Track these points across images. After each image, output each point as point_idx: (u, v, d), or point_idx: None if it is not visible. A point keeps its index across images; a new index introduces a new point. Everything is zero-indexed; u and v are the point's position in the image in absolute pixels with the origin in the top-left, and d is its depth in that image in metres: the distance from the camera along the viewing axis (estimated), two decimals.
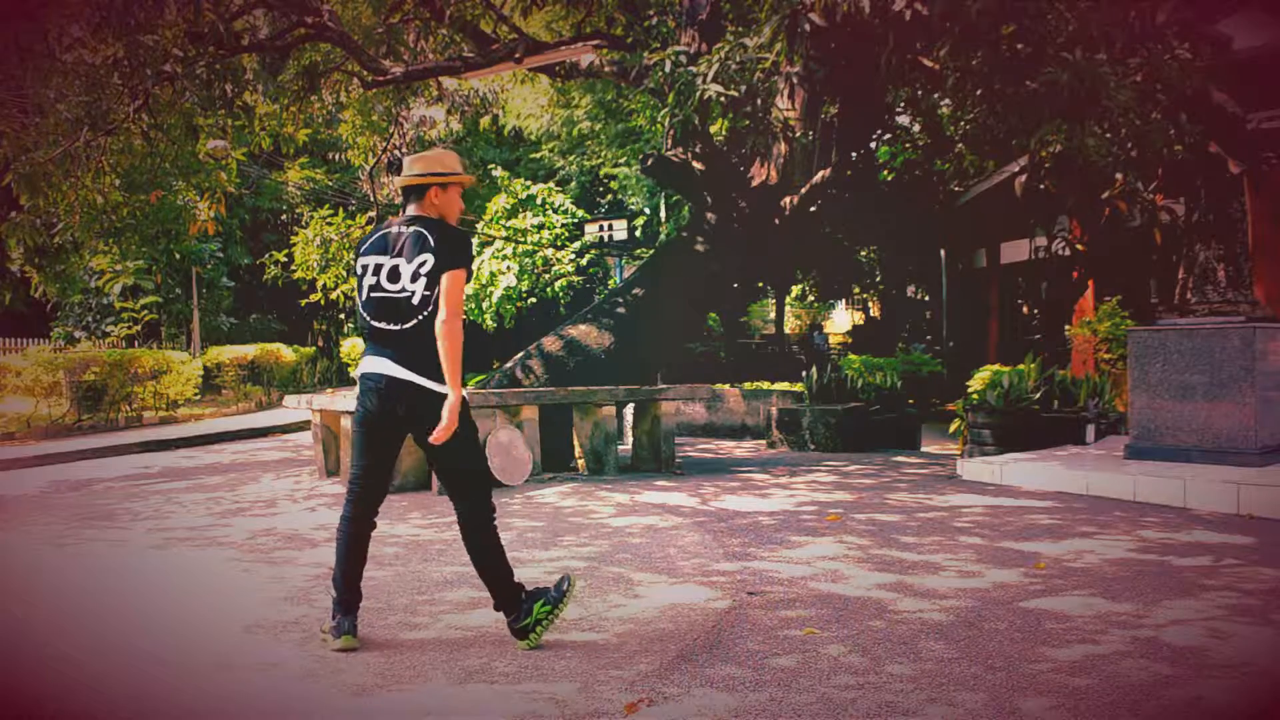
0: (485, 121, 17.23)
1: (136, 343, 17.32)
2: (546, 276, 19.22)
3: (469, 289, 19.58)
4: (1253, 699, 2.82)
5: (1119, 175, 7.05)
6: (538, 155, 24.05)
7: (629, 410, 8.93)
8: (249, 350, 18.69)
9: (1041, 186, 7.09)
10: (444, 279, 3.26)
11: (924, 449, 10.60)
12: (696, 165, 9.10)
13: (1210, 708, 2.72)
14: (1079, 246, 8.59)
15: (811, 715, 2.68)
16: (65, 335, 18.24)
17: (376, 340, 3.37)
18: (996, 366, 9.47)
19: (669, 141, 9.46)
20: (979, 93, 6.97)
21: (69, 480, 8.59)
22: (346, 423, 7.68)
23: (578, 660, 3.20)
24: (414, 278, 3.28)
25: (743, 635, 3.44)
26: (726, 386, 13.11)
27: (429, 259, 3.27)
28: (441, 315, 3.22)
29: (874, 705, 2.74)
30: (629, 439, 8.83)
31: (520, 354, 9.05)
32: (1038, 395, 8.65)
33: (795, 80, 7.73)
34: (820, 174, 9.09)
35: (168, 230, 9.26)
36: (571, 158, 23.12)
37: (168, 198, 8.82)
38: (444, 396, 3.23)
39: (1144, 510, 5.93)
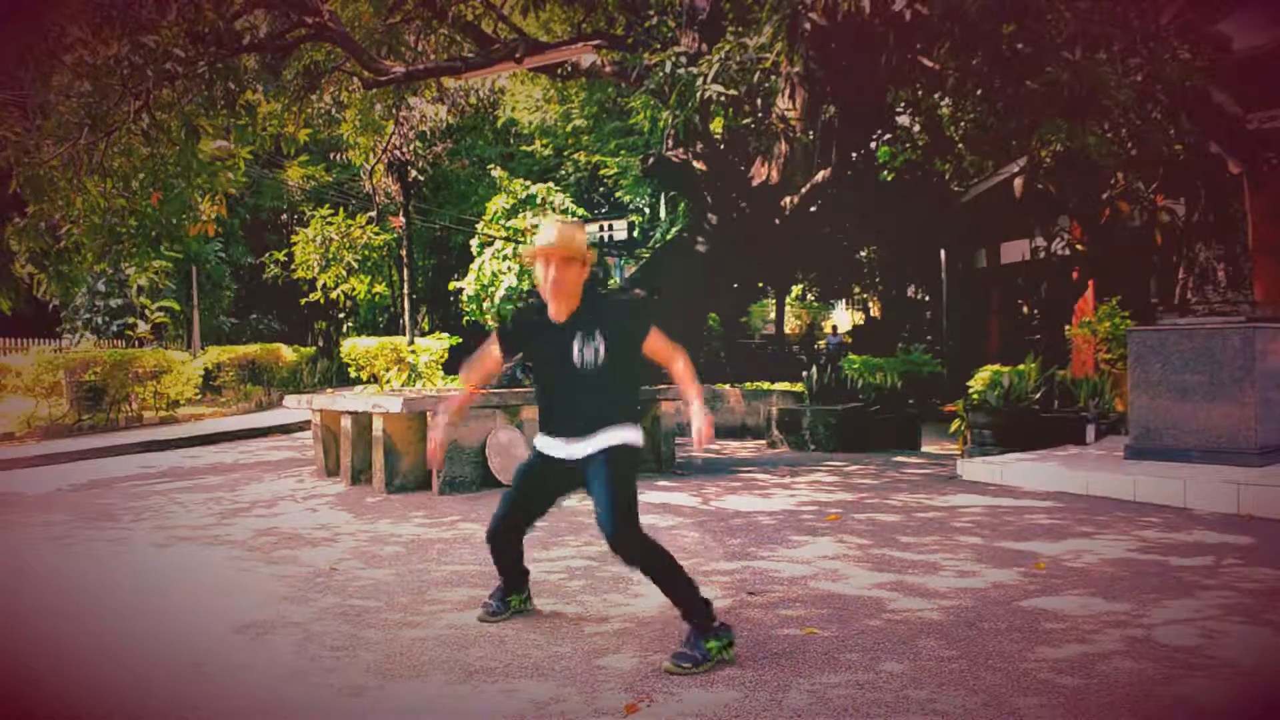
0: (471, 99, 17.19)
1: (138, 343, 17.34)
2: None
3: (470, 290, 19.62)
4: (1250, 699, 2.82)
5: (1119, 175, 7.06)
6: (530, 149, 24.07)
7: None
8: (250, 350, 18.69)
9: (1041, 187, 7.10)
10: None
11: (924, 449, 10.60)
12: (697, 165, 9.11)
13: (1207, 708, 2.72)
14: (1079, 246, 8.59)
15: (811, 714, 2.68)
16: (78, 334, 18.16)
17: None
18: (997, 366, 9.47)
19: (669, 142, 9.47)
20: (979, 93, 6.98)
21: (69, 480, 8.59)
22: (347, 423, 7.68)
23: (577, 660, 3.20)
24: None
25: (743, 635, 3.44)
26: (726, 386, 13.10)
27: None
28: None
29: (873, 704, 2.74)
30: None
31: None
32: (1038, 395, 8.65)
33: (795, 80, 7.73)
34: (820, 174, 9.10)
35: (170, 232, 9.23)
36: (567, 153, 23.13)
37: (171, 196, 8.79)
38: None
39: (1144, 510, 5.93)
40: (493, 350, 3.69)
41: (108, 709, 2.87)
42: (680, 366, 3.47)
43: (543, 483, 3.60)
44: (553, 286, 3.40)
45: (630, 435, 3.43)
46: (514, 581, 3.78)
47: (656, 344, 3.50)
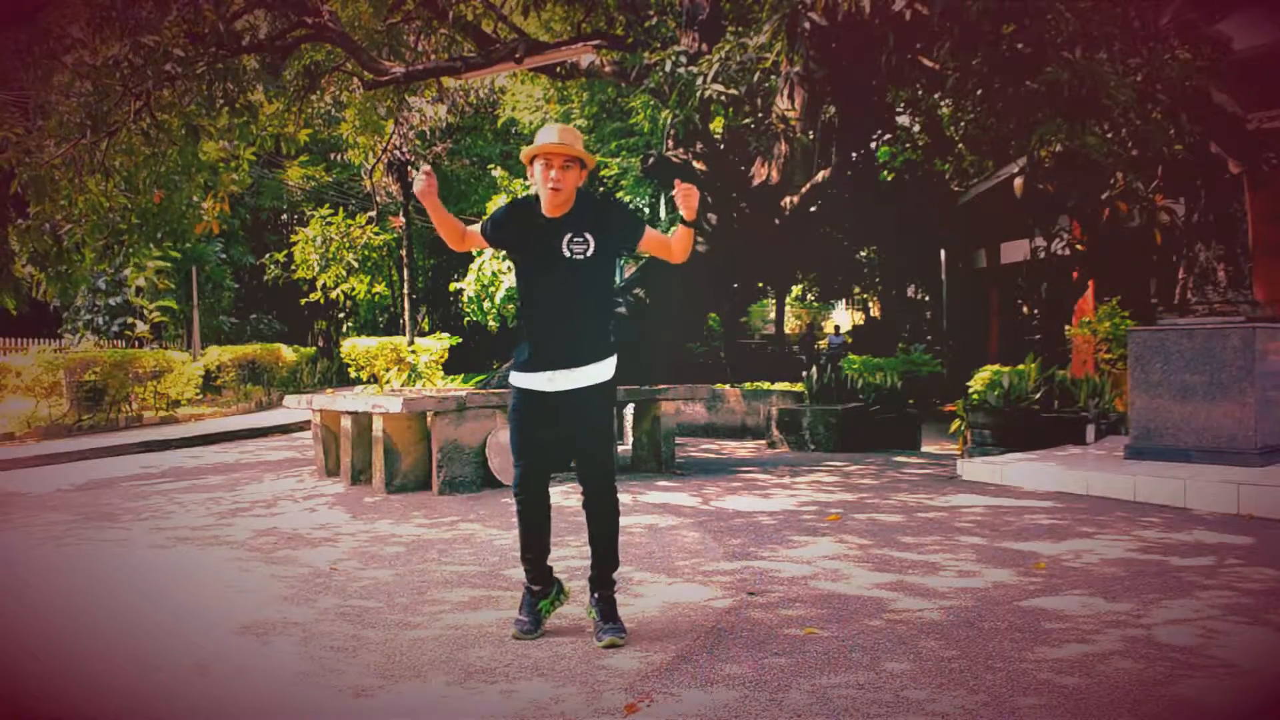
0: (471, 99, 17.15)
1: (138, 343, 17.33)
2: None
3: (470, 290, 19.68)
4: (1249, 698, 2.82)
5: (1119, 175, 7.06)
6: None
7: (629, 410, 8.96)
8: (250, 350, 18.71)
9: (1041, 187, 7.10)
10: None
11: (924, 449, 10.61)
12: (697, 165, 9.11)
13: (1207, 707, 2.73)
14: (1079, 246, 8.60)
15: (810, 714, 2.68)
16: (78, 335, 18.16)
17: None
18: (996, 366, 9.48)
19: (669, 142, 9.47)
20: (979, 93, 6.98)
21: (69, 480, 8.60)
22: (347, 423, 7.69)
23: (578, 660, 3.20)
24: None
25: (743, 635, 3.44)
26: (726, 386, 13.11)
27: None
28: None
29: (873, 704, 2.74)
30: (629, 439, 8.85)
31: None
32: (1038, 395, 8.65)
33: (795, 80, 7.75)
34: (820, 174, 9.11)
35: (172, 231, 9.25)
36: None
37: (174, 196, 8.81)
38: None
39: (1144, 510, 5.93)
40: (474, 231, 3.67)
41: (108, 710, 2.87)
42: (677, 234, 3.53)
43: (540, 415, 3.48)
44: (552, 189, 3.39)
45: (609, 370, 3.51)
46: (541, 575, 3.57)
47: (652, 236, 3.58)
